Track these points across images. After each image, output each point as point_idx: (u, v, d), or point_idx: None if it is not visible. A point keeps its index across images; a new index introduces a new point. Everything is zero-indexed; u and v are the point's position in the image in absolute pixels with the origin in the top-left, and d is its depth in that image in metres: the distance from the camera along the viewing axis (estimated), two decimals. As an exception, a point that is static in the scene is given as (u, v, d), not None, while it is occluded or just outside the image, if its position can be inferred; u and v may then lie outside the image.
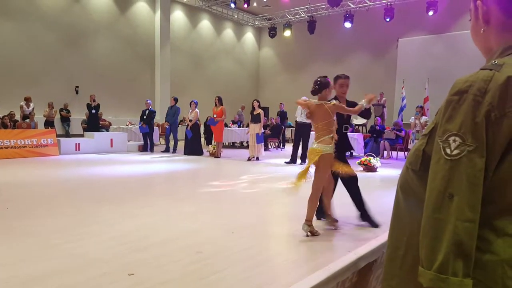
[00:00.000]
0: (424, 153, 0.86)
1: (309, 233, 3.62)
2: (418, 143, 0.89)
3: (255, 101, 10.41)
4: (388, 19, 15.92)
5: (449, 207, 0.75)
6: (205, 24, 20.83)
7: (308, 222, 3.64)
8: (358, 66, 19.43)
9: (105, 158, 10.13)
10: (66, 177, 7.00)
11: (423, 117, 9.05)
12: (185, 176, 7.79)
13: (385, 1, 16.33)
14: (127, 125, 14.21)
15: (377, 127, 12.39)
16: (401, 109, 15.78)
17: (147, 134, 11.94)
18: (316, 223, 4.00)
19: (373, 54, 18.97)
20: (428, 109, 13.90)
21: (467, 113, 0.73)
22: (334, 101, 3.80)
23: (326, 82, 3.74)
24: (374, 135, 12.24)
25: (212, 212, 4.55)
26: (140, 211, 4.48)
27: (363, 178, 7.52)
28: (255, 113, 10.19)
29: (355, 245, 3.29)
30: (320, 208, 4.07)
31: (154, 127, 12.15)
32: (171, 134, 11.90)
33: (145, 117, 11.79)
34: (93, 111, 12.40)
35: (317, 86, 3.72)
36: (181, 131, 16.44)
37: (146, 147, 12.01)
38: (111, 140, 11.51)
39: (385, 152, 11.83)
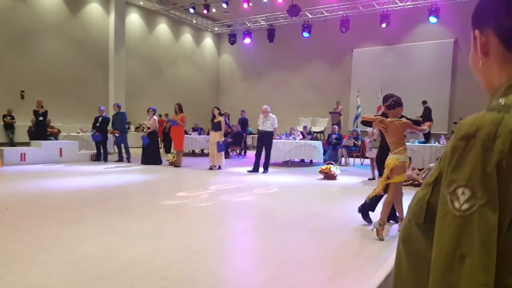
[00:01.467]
0: (429, 204, 0.77)
1: (377, 233, 4.12)
2: (421, 192, 0.80)
3: (215, 109, 10.21)
4: (344, 30, 16.29)
5: (460, 269, 0.67)
6: (163, 28, 20.38)
7: (381, 222, 4.14)
8: (315, 74, 19.78)
9: (54, 169, 9.47)
10: (8, 192, 6.34)
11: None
12: (144, 188, 7.41)
13: (341, 12, 16.71)
14: (78, 133, 13.52)
15: (335, 135, 12.59)
16: (356, 117, 16.15)
17: (100, 143, 11.36)
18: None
19: (330, 63, 19.37)
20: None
21: (476, 162, 0.65)
22: (404, 119, 4.28)
23: (401, 102, 4.24)
24: (332, 143, 12.42)
25: (175, 230, 4.30)
26: (96, 231, 4.14)
27: (324, 187, 7.60)
28: (215, 120, 9.98)
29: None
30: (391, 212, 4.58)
31: (108, 135, 11.58)
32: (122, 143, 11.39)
33: (98, 125, 11.21)
34: (41, 118, 11.65)
35: (393, 103, 4.17)
36: (137, 138, 15.92)
37: (99, 156, 11.42)
38: (60, 149, 10.81)
39: (343, 159, 12.07)
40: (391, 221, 5.09)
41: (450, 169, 0.69)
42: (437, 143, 11.17)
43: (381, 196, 4.54)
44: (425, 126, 5.04)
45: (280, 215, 5.15)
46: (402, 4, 15.70)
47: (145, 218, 4.76)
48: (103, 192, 6.62)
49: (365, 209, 4.82)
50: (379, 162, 4.78)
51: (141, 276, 2.90)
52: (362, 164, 12.20)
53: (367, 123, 4.65)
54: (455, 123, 15.92)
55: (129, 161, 11.13)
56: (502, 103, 0.69)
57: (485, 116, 0.68)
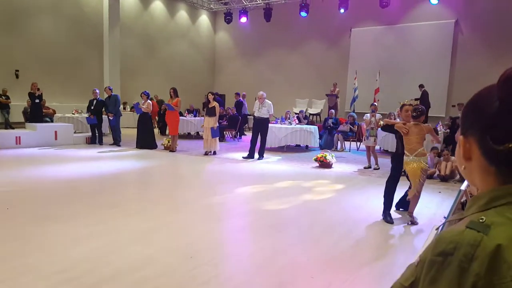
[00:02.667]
0: None
1: (410, 222, 4.75)
2: None
3: (210, 94, 10.09)
4: (342, 10, 15.98)
5: None
6: (158, 5, 19.95)
7: (410, 213, 4.80)
8: (313, 54, 19.52)
9: (48, 153, 9.38)
10: (1, 182, 6.25)
11: (377, 114, 9.18)
12: (137, 178, 7.38)
13: (340, -9, 16.37)
14: (73, 114, 13.40)
15: (331, 120, 12.54)
16: (353, 100, 16.06)
17: (95, 126, 11.27)
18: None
19: (328, 43, 19.08)
20: (378, 100, 14.23)
21: (451, 280, 0.68)
22: (429, 124, 5.00)
23: (424, 111, 4.82)
24: (329, 127, 12.38)
25: (168, 230, 4.26)
26: (88, 231, 4.06)
27: (320, 177, 7.52)
28: (210, 106, 9.89)
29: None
30: (402, 199, 5.24)
31: (103, 116, 11.46)
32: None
33: (92, 108, 11.10)
34: (37, 100, 11.50)
35: (418, 113, 4.70)
36: (133, 119, 15.81)
37: (94, 139, 11.34)
38: (55, 132, 10.72)
39: (339, 144, 12.06)
40: (401, 209, 5.30)
41: (426, 283, 0.72)
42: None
43: (392, 192, 4.93)
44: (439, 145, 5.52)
45: (275, 210, 5.15)
46: (403, -17, 15.37)
47: (137, 215, 4.71)
48: (95, 183, 6.52)
49: (384, 210, 4.96)
50: (396, 163, 5.00)
51: (131, 286, 2.90)
52: (358, 149, 12.20)
53: (388, 127, 5.07)
54: (453, 106, 15.84)
55: (118, 145, 11.03)
56: (482, 221, 0.70)
57: (464, 235, 0.69)
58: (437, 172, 7.78)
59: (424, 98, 13.62)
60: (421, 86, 14.33)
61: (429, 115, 13.38)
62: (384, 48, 17.43)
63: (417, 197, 4.77)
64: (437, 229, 2.59)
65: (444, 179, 7.57)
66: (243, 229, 4.50)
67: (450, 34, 16.18)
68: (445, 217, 4.99)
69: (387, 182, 5.00)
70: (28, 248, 3.55)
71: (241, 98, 15.77)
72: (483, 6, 14.86)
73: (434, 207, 5.60)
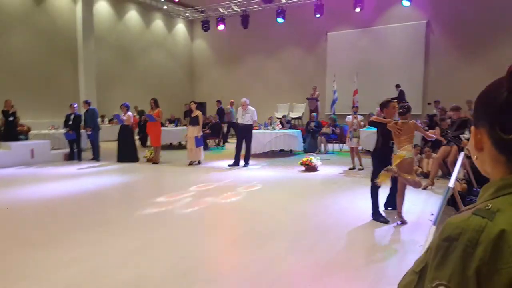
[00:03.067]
0: None
1: (399, 222, 4.75)
2: (409, 278, 0.87)
3: (192, 103, 10.03)
4: (318, 15, 16.18)
5: None
6: (133, 15, 19.73)
7: (398, 214, 4.81)
8: (291, 59, 19.67)
9: (25, 173, 9.00)
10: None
11: (359, 116, 9.31)
12: (122, 194, 7.18)
13: (315, -4, 16.60)
14: (49, 130, 13.05)
15: (313, 123, 12.64)
16: (333, 102, 16.22)
17: (74, 141, 11.00)
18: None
19: (305, 48, 19.26)
20: (357, 101, 14.43)
21: (456, 264, 0.71)
22: (414, 121, 5.00)
23: (410, 108, 4.90)
24: (311, 131, 12.48)
25: (158, 246, 4.14)
26: (73, 254, 3.88)
27: (307, 181, 7.53)
28: (193, 115, 9.82)
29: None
30: (389, 198, 5.27)
31: (81, 131, 11.22)
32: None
33: (70, 123, 10.85)
34: (11, 118, 11.14)
35: (405, 110, 4.78)
36: (112, 131, 15.53)
37: (73, 155, 11.03)
38: (32, 150, 10.36)
39: (322, 147, 12.18)
40: (389, 208, 5.30)
41: (433, 266, 0.75)
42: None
43: (376, 191, 4.91)
44: (432, 134, 5.53)
45: (266, 218, 5.12)
46: (375, -13, 15.68)
47: (125, 232, 4.57)
48: (78, 201, 6.29)
49: (374, 210, 4.96)
50: (379, 160, 4.98)
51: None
52: (341, 150, 12.33)
53: (377, 124, 5.01)
54: (429, 103, 16.19)
55: (98, 160, 10.79)
56: (488, 208, 0.72)
57: (470, 220, 0.72)
58: (420, 170, 7.91)
59: (401, 98, 13.86)
60: (397, 86, 14.60)
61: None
62: (360, 50, 17.71)
63: (402, 196, 4.84)
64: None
65: (427, 175, 7.70)
66: (234, 240, 4.43)
67: (422, 34, 16.57)
68: (432, 214, 5.08)
69: (372, 181, 5.02)
70: (11, 277, 3.34)
71: (222, 106, 15.76)
72: (452, 8, 15.28)
73: (420, 204, 5.69)
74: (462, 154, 4.72)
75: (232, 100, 15.77)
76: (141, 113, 14.75)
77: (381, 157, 4.92)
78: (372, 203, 4.96)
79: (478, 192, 4.28)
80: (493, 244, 0.68)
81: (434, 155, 8.05)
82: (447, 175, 7.59)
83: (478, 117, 0.81)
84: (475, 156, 0.85)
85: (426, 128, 11.48)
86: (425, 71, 16.61)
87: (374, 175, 4.93)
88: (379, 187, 4.84)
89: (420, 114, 15.57)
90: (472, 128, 0.83)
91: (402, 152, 4.65)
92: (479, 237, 0.69)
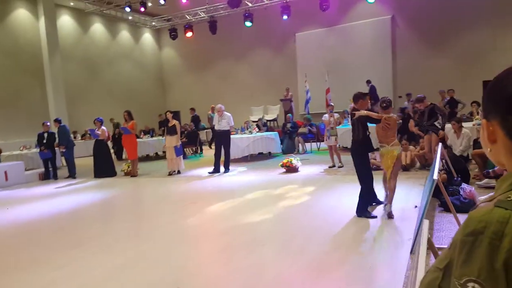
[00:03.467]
0: None
1: (387, 215, 4.84)
2: (432, 275, 0.86)
3: (168, 112, 9.93)
4: (285, 17, 16.31)
5: None
6: (98, 28, 19.39)
7: (389, 203, 4.94)
8: (261, 62, 19.75)
9: (1, 197, 8.67)
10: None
11: (335, 114, 9.43)
12: (102, 211, 7.00)
13: (281, -1, 16.75)
14: (21, 150, 12.65)
15: (290, 124, 12.73)
16: (307, 102, 16.39)
17: (49, 160, 10.71)
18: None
19: (274, 49, 19.40)
20: (330, 100, 14.61)
21: (484, 258, 0.70)
22: (392, 115, 5.08)
23: (391, 101, 5.08)
24: (288, 132, 12.56)
25: (144, 260, 4.04)
26: (55, 274, 3.75)
27: (288, 182, 7.58)
28: (170, 124, 9.72)
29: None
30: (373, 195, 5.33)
31: (55, 149, 10.94)
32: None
33: (45, 141, 10.56)
34: (-21, 141, 10.75)
35: (388, 103, 4.92)
36: (85, 147, 15.20)
37: (48, 174, 10.74)
38: (5, 172, 10.02)
39: (300, 147, 12.28)
40: (373, 204, 5.35)
41: (460, 262, 0.74)
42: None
43: (367, 185, 5.02)
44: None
45: (253, 224, 5.10)
46: (339, -14, 15.95)
47: (108, 250, 4.44)
48: (57, 221, 6.11)
49: (364, 206, 4.98)
50: (359, 154, 5.04)
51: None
52: (319, 149, 12.45)
53: (370, 119, 4.98)
54: (400, 97, 16.55)
55: (74, 177, 10.54)
56: (510, 199, 0.72)
57: (493, 213, 0.71)
58: (398, 163, 8.07)
59: (372, 93, 14.16)
60: (368, 81, 14.88)
61: (379, 108, 13.92)
62: (329, 49, 17.95)
63: (394, 187, 4.96)
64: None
65: (405, 168, 7.87)
66: (224, 248, 4.35)
67: (388, 29, 16.95)
68: (416, 206, 5.20)
69: (365, 181, 5.02)
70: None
71: (196, 113, 15.64)
72: (415, 2, 15.71)
73: (403, 197, 5.79)
74: (440, 145, 4.83)
75: (213, 106, 15.69)
76: (117, 125, 14.50)
77: (365, 155, 5.01)
78: (364, 201, 4.98)
79: (458, 181, 4.39)
80: None
81: (411, 147, 8.23)
82: (425, 166, 7.78)
83: (489, 109, 0.80)
84: (489, 149, 0.85)
85: (400, 121, 11.76)
86: (393, 65, 16.99)
87: (367, 175, 4.99)
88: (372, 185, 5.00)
89: (392, 107, 15.90)
90: (483, 120, 0.83)
91: (394, 149, 4.79)
92: (504, 229, 0.69)
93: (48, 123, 10.95)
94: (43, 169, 10.88)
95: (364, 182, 5.01)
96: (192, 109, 15.61)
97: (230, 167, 9.70)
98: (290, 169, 8.80)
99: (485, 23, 14.83)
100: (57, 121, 10.94)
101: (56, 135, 10.77)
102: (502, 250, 0.68)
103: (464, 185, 5.03)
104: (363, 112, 4.91)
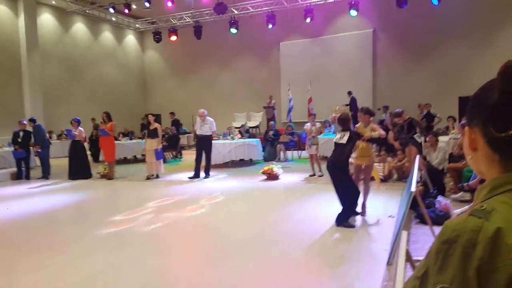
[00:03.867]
0: None
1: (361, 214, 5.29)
2: (411, 284, 0.88)
3: (150, 115, 9.83)
4: (270, 26, 16.45)
5: None
6: (80, 27, 19.08)
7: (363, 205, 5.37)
8: (245, 69, 19.81)
9: None
10: None
11: (317, 123, 9.52)
12: (76, 212, 6.82)
13: (266, 8, 16.85)
14: (-6, 148, 12.27)
15: (272, 132, 12.79)
16: (289, 110, 16.54)
17: (23, 159, 10.43)
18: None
19: (259, 57, 19.50)
20: (312, 109, 14.75)
21: (457, 266, 0.72)
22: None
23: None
24: (270, 139, 12.60)
25: (121, 266, 3.94)
26: (27, 279, 3.62)
27: (269, 190, 7.58)
28: (151, 127, 9.60)
29: None
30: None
31: (30, 148, 10.69)
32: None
33: (20, 140, 10.29)
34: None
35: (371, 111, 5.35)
36: (61, 147, 14.88)
37: (21, 174, 10.43)
38: (-24, 171, 9.74)
39: (282, 154, 12.33)
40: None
41: (435, 270, 0.75)
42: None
43: (356, 198, 5.13)
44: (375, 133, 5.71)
45: (232, 231, 5.07)
46: (324, -2, 16.21)
47: (85, 254, 4.32)
48: (29, 223, 5.92)
49: (346, 217, 5.01)
50: (345, 170, 5.12)
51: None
52: (299, 157, 12.53)
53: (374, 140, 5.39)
54: (379, 109, 16.82)
55: (47, 178, 10.30)
56: (483, 208, 0.73)
57: (466, 222, 0.73)
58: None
59: (353, 104, 14.37)
60: (349, 93, 15.08)
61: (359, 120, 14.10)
62: (312, 59, 18.17)
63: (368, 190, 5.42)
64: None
65: (383, 179, 7.98)
66: (202, 256, 4.29)
67: (369, 42, 17.28)
68: (392, 216, 5.27)
69: (354, 195, 5.07)
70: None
71: (176, 117, 15.52)
72: (397, 17, 16.03)
73: (380, 208, 5.86)
74: (418, 157, 4.93)
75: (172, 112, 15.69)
76: (97, 126, 14.26)
77: (347, 167, 5.17)
78: (348, 213, 5.01)
79: (434, 193, 4.47)
80: (490, 243, 0.68)
81: (389, 159, 8.37)
82: (402, 178, 7.91)
83: (472, 117, 0.82)
84: (470, 156, 0.86)
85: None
86: (373, 77, 17.30)
87: (354, 191, 5.08)
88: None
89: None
90: (466, 128, 0.85)
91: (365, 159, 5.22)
92: (477, 237, 0.70)
93: (25, 122, 10.70)
94: (15, 169, 10.57)
95: (353, 196, 5.04)
96: (172, 113, 15.53)
97: (211, 173, 9.64)
98: (271, 176, 8.81)
99: (463, 40, 15.30)
100: (32, 120, 10.71)
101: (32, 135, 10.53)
102: (474, 258, 0.69)
103: (440, 198, 5.13)
104: (376, 134, 5.20)
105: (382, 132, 5.48)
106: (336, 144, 5.16)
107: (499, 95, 0.75)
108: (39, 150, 10.45)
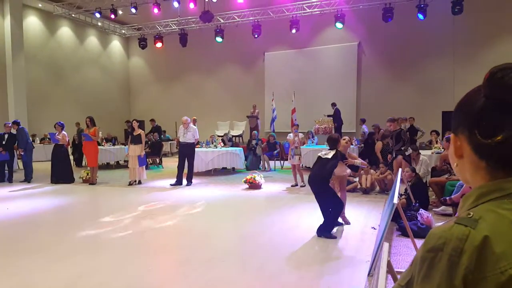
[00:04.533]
0: None
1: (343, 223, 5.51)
2: None
3: (134, 121, 9.76)
4: (256, 35, 16.57)
5: None
6: (65, 31, 18.92)
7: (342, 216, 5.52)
8: (230, 78, 19.88)
9: None
10: None
11: (300, 134, 9.58)
12: (57, 216, 6.72)
13: (252, 18, 16.97)
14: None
15: (255, 141, 12.80)
16: (273, 120, 16.57)
17: (6, 162, 10.24)
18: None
19: (243, 66, 19.60)
20: (295, 120, 14.85)
21: (443, 275, 0.70)
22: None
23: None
24: (253, 148, 12.61)
25: (101, 272, 3.91)
26: (7, 283, 3.58)
27: (251, 199, 7.61)
28: (135, 133, 9.53)
29: None
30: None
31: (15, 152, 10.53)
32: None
33: (4, 142, 10.11)
34: None
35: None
36: (44, 151, 14.64)
37: (3, 177, 10.25)
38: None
39: (265, 164, 12.35)
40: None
41: (420, 278, 0.74)
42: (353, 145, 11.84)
43: (340, 211, 5.20)
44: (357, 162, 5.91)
45: (213, 239, 5.06)
46: (310, 10, 16.40)
47: (66, 259, 4.29)
48: (10, 226, 5.85)
49: (328, 228, 5.07)
50: (327, 185, 5.21)
51: None
52: (282, 167, 12.57)
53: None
54: (362, 120, 17.08)
55: (29, 182, 10.16)
56: (470, 216, 0.72)
57: (452, 229, 0.71)
58: (359, 186, 8.28)
59: (336, 116, 14.50)
60: (333, 104, 15.21)
61: (342, 131, 14.28)
62: (297, 70, 18.34)
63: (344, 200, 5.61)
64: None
65: (366, 191, 8.08)
66: (183, 262, 4.26)
67: (354, 55, 17.56)
68: (374, 228, 5.34)
69: (338, 208, 5.13)
70: None
71: (157, 124, 15.42)
72: (381, 31, 16.36)
73: (362, 219, 5.93)
74: (400, 170, 5.01)
75: (195, 118, 15.52)
76: (81, 131, 14.06)
77: (328, 182, 5.26)
78: (331, 225, 5.10)
79: (416, 207, 4.54)
80: (477, 252, 0.67)
81: (372, 171, 8.47)
82: (385, 190, 8.02)
83: (458, 124, 0.81)
84: (455, 164, 0.85)
85: (362, 145, 12.07)
86: (357, 89, 17.54)
87: (339, 203, 5.14)
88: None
89: (354, 131, 16.35)
90: (452, 135, 0.84)
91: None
92: (463, 246, 0.69)
93: (10, 124, 10.53)
94: (-3, 171, 10.37)
95: (336, 209, 5.09)
96: (152, 120, 15.49)
97: (193, 180, 9.60)
98: (253, 185, 8.82)
99: (447, 56, 15.68)
100: (16, 123, 10.55)
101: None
102: (461, 266, 0.68)
103: (421, 211, 5.21)
104: (358, 162, 5.56)
105: (364, 162, 5.92)
106: (319, 158, 5.24)
107: (484, 100, 0.75)
108: (22, 153, 10.27)
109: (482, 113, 0.75)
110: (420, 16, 14.54)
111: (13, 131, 10.47)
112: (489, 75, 0.75)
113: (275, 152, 12.73)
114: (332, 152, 5.17)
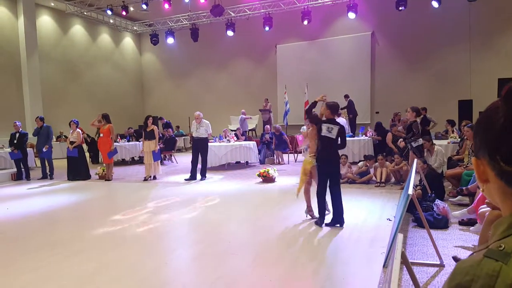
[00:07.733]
0: None
1: (309, 216, 5.41)
2: None
3: (150, 118, 9.82)
4: (267, 28, 16.47)
5: None
6: (78, 29, 19.13)
7: (309, 208, 5.46)
8: (242, 72, 19.84)
9: None
10: None
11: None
12: (74, 213, 6.82)
13: (263, 10, 16.87)
14: (-5, 149, 12.24)
15: (268, 135, 12.78)
16: (286, 113, 16.49)
17: (20, 160, 10.42)
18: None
19: (255, 60, 19.54)
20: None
21: None
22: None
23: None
24: (266, 142, 12.59)
25: (117, 266, 3.94)
26: (25, 278, 3.63)
27: (265, 192, 7.58)
28: (148, 129, 9.61)
29: None
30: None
31: (28, 149, 10.68)
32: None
33: (15, 142, 10.27)
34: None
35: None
36: (60, 149, 14.86)
37: (21, 175, 10.46)
38: (-24, 171, 9.72)
39: (279, 158, 12.32)
40: (336, 225, 5.30)
41: None
42: (364, 136, 11.75)
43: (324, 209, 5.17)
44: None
45: (227, 233, 5.07)
46: (322, 1, 16.24)
47: (82, 254, 4.34)
48: (28, 223, 5.97)
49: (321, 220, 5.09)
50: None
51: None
52: (296, 160, 12.52)
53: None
54: (377, 112, 16.89)
55: (52, 178, 10.35)
56: (502, 249, 0.64)
57: (482, 265, 0.64)
58: (374, 178, 8.18)
59: (350, 107, 14.36)
60: (346, 96, 15.06)
61: (357, 123, 14.15)
62: (309, 62, 18.20)
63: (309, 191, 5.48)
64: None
65: (381, 183, 7.97)
66: (196, 257, 4.28)
67: (368, 45, 17.33)
68: (389, 219, 5.28)
69: (335, 188, 5.11)
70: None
71: (167, 121, 15.50)
72: (395, 20, 16.12)
73: (378, 211, 5.86)
74: (416, 161, 4.94)
75: (243, 110, 15.56)
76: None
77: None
78: (323, 211, 5.16)
79: (432, 197, 4.46)
80: None
81: (387, 163, 8.36)
82: (400, 182, 7.92)
83: (478, 147, 0.72)
84: (482, 188, 0.76)
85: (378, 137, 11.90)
86: (371, 80, 17.33)
87: (337, 184, 5.11)
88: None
89: (369, 122, 16.17)
90: (473, 158, 0.75)
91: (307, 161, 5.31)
92: (494, 284, 0.60)
93: (19, 123, 10.67)
94: (15, 170, 10.58)
95: (336, 192, 5.15)
96: (161, 118, 15.63)
97: (207, 175, 9.64)
98: (267, 179, 8.81)
99: (463, 45, 15.35)
100: (41, 119, 10.62)
101: (38, 133, 10.50)
102: None
103: (437, 201, 5.13)
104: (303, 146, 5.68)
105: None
106: (324, 137, 5.00)
107: (504, 120, 0.66)
108: (45, 150, 10.38)
109: (502, 135, 0.66)
110: (435, 4, 14.24)
111: (31, 128, 10.59)
112: (507, 92, 0.66)
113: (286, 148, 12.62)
114: (336, 129, 4.98)
